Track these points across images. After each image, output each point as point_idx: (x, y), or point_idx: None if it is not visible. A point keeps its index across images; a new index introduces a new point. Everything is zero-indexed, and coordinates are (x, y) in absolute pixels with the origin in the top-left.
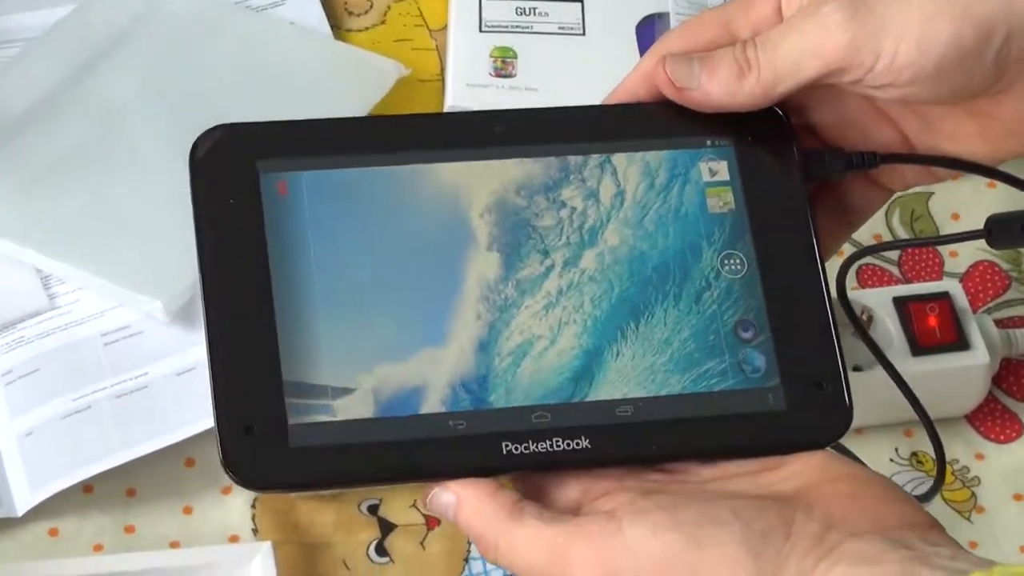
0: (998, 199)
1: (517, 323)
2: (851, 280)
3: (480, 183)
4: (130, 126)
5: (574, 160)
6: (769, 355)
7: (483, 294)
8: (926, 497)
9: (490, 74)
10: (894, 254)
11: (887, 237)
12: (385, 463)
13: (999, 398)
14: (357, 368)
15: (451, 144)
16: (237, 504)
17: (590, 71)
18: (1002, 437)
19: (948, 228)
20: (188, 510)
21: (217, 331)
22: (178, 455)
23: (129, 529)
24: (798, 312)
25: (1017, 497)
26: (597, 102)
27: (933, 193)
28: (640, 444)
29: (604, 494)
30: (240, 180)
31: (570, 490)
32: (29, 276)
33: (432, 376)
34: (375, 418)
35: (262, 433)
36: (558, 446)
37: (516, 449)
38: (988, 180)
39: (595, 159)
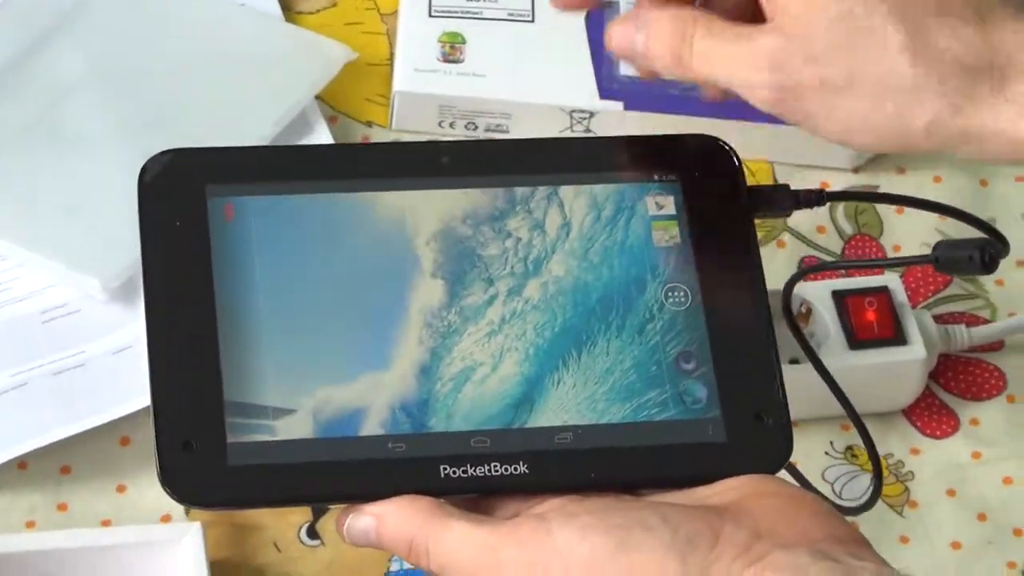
0: (943, 195)
1: (459, 349)
2: (792, 271)
3: (426, 212)
4: (76, 105)
5: (521, 191)
6: (710, 386)
7: (427, 320)
8: (865, 507)
9: (438, 59)
10: (836, 245)
11: (831, 231)
12: (323, 484)
13: (936, 393)
14: (299, 390)
15: (398, 173)
16: None
17: (538, 59)
18: (938, 432)
19: (892, 223)
20: (122, 489)
21: (159, 349)
22: (113, 434)
23: (62, 507)
24: (740, 344)
25: (950, 493)
26: (543, 90)
27: (878, 187)
28: (578, 471)
29: (540, 502)
30: (188, 203)
31: (507, 510)
32: None
33: (373, 399)
34: (315, 439)
35: (201, 450)
36: (496, 471)
37: (454, 473)
38: (934, 175)
39: (542, 191)
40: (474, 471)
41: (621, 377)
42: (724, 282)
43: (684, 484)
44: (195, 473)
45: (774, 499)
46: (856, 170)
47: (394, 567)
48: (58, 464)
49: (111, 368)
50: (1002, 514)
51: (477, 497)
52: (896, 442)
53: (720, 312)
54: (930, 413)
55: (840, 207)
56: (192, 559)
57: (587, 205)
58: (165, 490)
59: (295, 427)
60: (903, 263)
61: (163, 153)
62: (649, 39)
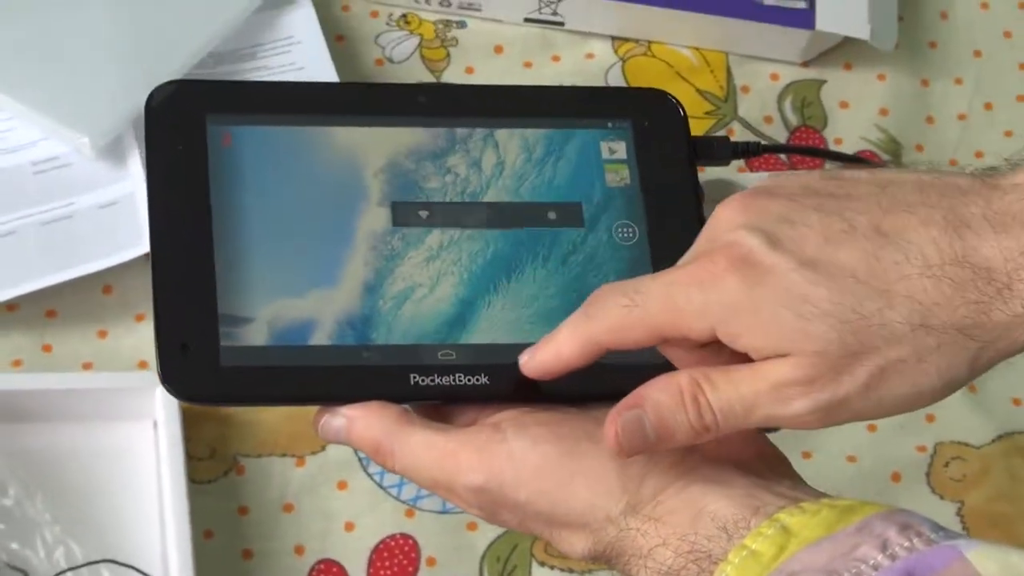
0: (887, 93)
1: (400, 271)
2: (740, 163)
3: (377, 147)
4: None
5: (498, 132)
6: None
7: (372, 244)
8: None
9: None
10: (782, 135)
11: (778, 120)
12: (304, 387)
13: None
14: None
15: (370, 110)
16: (149, 332)
17: None
18: None
19: (837, 117)
20: (103, 334)
21: (161, 257)
22: (96, 282)
23: (47, 348)
24: None
25: None
26: None
27: (825, 81)
28: (532, 385)
29: (495, 412)
30: (190, 130)
31: (467, 416)
32: None
33: (323, 313)
34: (298, 346)
35: (196, 352)
36: (460, 380)
37: (423, 381)
38: (879, 73)
39: (509, 132)
40: (440, 380)
41: (559, 302)
42: (669, 220)
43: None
44: (191, 372)
45: None
46: (805, 64)
47: None
48: (44, 308)
49: (98, 221)
50: None
51: (439, 405)
52: None
53: (665, 247)
54: None
55: (788, 98)
56: (166, 404)
57: (546, 147)
58: (164, 386)
59: (280, 337)
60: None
61: (169, 82)
62: (660, 420)
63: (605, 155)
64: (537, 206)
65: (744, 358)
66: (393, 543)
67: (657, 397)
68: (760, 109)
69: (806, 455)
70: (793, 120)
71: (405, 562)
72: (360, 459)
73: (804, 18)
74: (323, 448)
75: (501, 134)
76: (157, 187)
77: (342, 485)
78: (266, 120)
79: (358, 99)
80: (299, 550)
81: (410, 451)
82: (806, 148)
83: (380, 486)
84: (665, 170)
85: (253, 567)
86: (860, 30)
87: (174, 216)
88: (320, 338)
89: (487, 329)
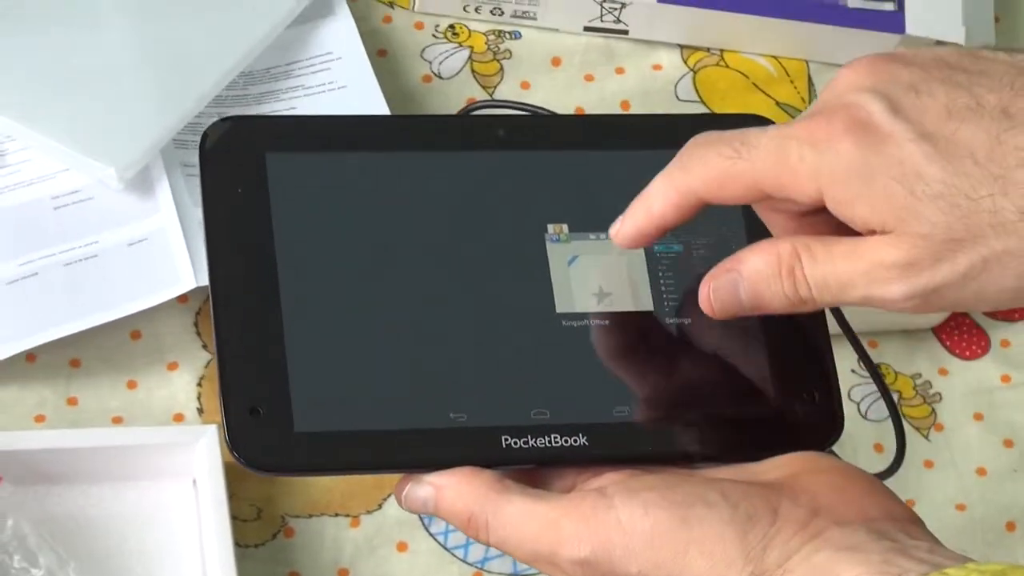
0: None
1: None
2: None
3: (451, 182)
4: None
5: None
6: (763, 363)
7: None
8: (889, 472)
9: None
10: None
11: None
12: (386, 452)
13: (969, 313)
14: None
15: (443, 144)
16: (183, 381)
17: None
18: (967, 353)
19: None
20: (132, 384)
21: (225, 314)
22: (123, 327)
23: (72, 401)
24: (791, 321)
25: (977, 416)
26: None
27: None
28: (636, 444)
29: (596, 476)
30: (249, 170)
31: (565, 480)
32: None
33: (405, 368)
34: (378, 408)
35: (268, 416)
36: (556, 442)
37: (515, 443)
38: None
39: None
40: (535, 442)
41: None
42: None
43: (737, 459)
44: (263, 439)
45: (828, 475)
46: None
47: None
48: (67, 357)
49: (125, 260)
50: None
51: (534, 469)
52: (924, 362)
53: None
54: (960, 332)
55: None
56: (208, 460)
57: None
58: (234, 455)
59: (359, 396)
60: None
61: (222, 120)
62: (754, 287)
63: None
64: None
65: (845, 231)
66: None
67: (754, 264)
68: None
69: (909, 503)
70: None
71: None
72: (422, 517)
73: (893, 21)
74: (379, 507)
75: None
76: (216, 233)
77: (402, 547)
78: (329, 157)
79: (424, 132)
80: None
81: (507, 522)
82: None
83: (444, 547)
84: None
85: None
86: (954, 33)
87: (237, 265)
88: (402, 397)
89: (584, 386)
